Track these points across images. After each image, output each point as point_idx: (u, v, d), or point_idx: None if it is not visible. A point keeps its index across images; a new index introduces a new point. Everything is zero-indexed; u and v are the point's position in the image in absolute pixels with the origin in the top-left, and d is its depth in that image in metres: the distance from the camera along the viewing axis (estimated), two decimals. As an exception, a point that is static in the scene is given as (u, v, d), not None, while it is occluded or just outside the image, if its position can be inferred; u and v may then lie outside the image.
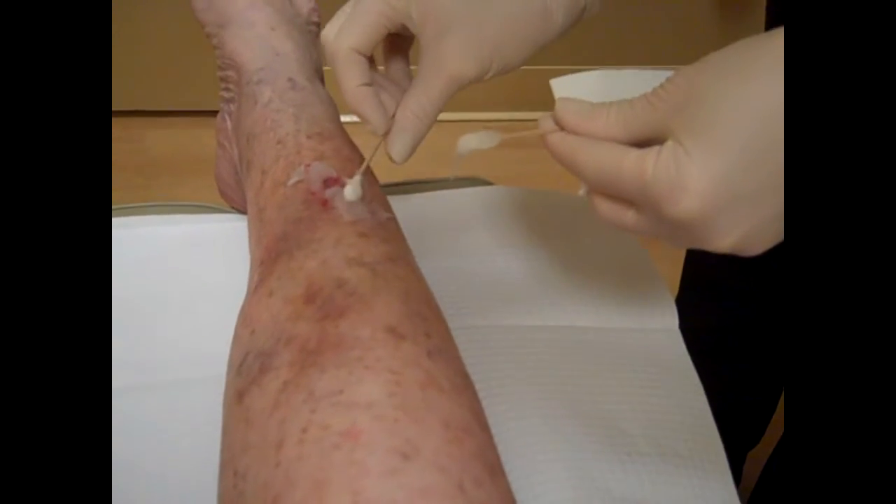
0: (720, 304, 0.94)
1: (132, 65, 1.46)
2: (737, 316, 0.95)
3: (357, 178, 0.47)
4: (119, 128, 1.52)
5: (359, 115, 0.45)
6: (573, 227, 0.63)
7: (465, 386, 0.39)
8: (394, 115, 0.46)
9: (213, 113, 0.62)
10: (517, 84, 1.51)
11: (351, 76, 0.45)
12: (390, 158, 0.46)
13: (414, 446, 0.33)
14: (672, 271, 0.63)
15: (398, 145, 0.46)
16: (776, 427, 0.97)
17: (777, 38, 0.35)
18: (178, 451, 0.47)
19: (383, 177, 0.51)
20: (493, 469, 0.36)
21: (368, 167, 0.52)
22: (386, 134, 0.46)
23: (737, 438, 0.49)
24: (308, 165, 0.49)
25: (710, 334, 0.64)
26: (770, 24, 0.51)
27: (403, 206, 0.50)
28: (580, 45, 1.52)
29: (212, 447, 0.41)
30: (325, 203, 0.46)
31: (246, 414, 0.38)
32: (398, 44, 0.48)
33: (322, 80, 0.60)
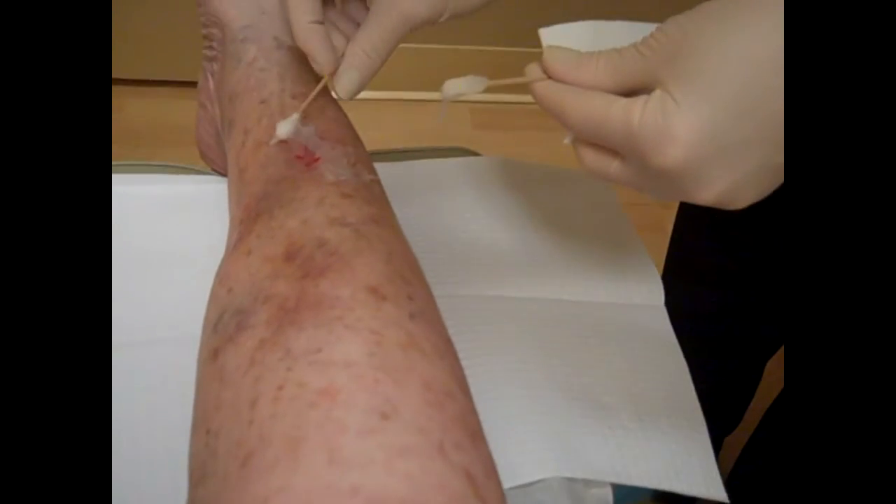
0: (701, 289, 0.94)
1: (113, 33, 1.43)
2: (718, 301, 0.95)
3: (294, 116, 0.46)
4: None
5: (306, 52, 0.45)
6: (561, 200, 0.62)
7: (446, 350, 0.38)
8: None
9: (194, 83, 0.61)
10: (500, 64, 1.50)
11: (301, 11, 0.44)
12: (337, 96, 0.47)
13: (393, 406, 0.32)
14: (655, 257, 0.63)
15: (345, 81, 0.46)
16: (754, 414, 0.97)
17: None
18: (150, 410, 0.46)
19: (368, 143, 0.50)
20: (474, 434, 0.35)
21: (353, 130, 0.51)
22: (333, 73, 0.46)
23: (715, 422, 0.49)
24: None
25: (690, 318, 0.64)
26: None
27: (389, 173, 0.49)
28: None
29: (185, 407, 0.40)
30: (308, 163, 0.45)
31: (220, 372, 0.37)
32: None
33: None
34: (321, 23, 0.45)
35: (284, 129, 0.46)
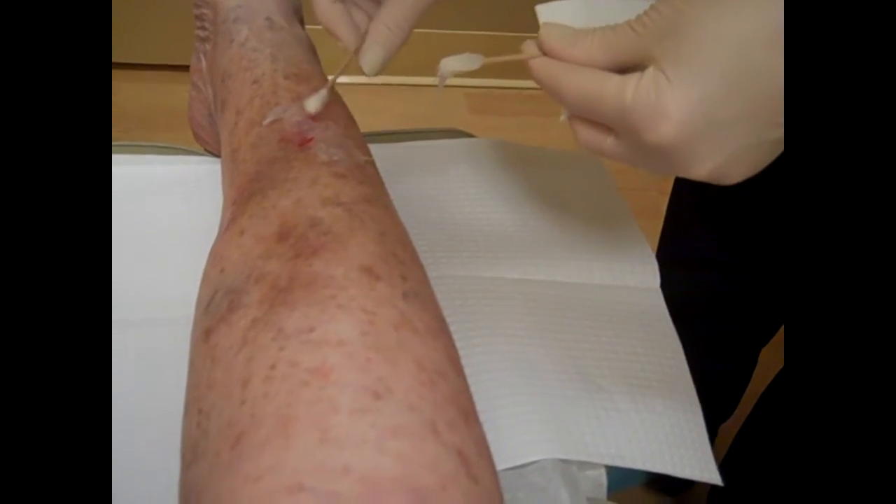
0: (695, 275, 0.94)
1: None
2: (712, 287, 0.95)
3: (322, 91, 0.46)
4: (92, 80, 1.49)
5: (330, 32, 0.46)
6: (557, 182, 0.62)
7: (440, 330, 0.38)
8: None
9: (187, 67, 0.61)
10: (496, 49, 1.49)
11: None
12: (363, 71, 0.47)
13: (386, 385, 0.32)
14: (652, 242, 0.63)
15: (370, 57, 0.46)
16: (749, 403, 0.97)
17: None
18: (145, 390, 0.46)
19: (363, 128, 0.50)
20: (467, 413, 0.34)
21: (346, 110, 0.50)
22: (357, 50, 0.46)
23: (710, 410, 0.49)
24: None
25: (685, 302, 0.64)
26: None
27: (383, 154, 0.48)
28: None
29: (177, 388, 0.40)
30: (301, 143, 0.45)
31: (212, 352, 0.36)
32: None
33: (301, 22, 0.58)
34: (342, 1, 0.45)
35: (313, 104, 0.46)
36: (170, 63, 1.47)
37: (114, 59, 1.48)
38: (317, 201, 0.41)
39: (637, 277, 0.56)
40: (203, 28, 0.58)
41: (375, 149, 0.48)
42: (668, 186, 0.94)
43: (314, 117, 0.46)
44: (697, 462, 0.48)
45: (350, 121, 0.49)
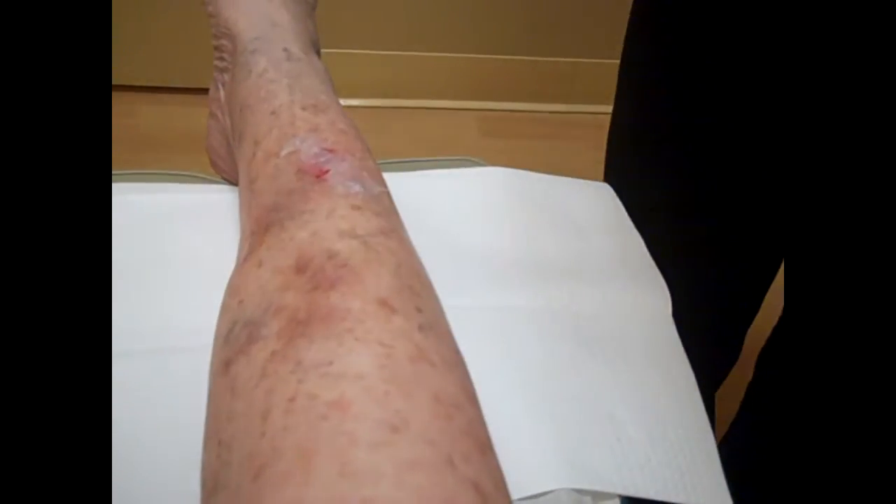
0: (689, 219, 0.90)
1: (127, 39, 1.45)
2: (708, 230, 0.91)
3: None
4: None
5: None
6: (566, 211, 0.63)
7: (455, 362, 0.38)
8: None
9: (206, 90, 0.61)
10: (502, 73, 1.50)
11: None
12: None
13: (403, 419, 0.33)
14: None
15: None
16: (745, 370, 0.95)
17: None
18: (159, 419, 0.47)
19: (376, 150, 0.51)
20: (483, 446, 0.35)
21: (362, 142, 0.51)
22: None
23: (711, 364, 0.48)
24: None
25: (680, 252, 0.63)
26: None
27: (397, 183, 0.49)
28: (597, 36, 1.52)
29: (195, 417, 0.40)
30: (318, 175, 0.46)
31: (232, 383, 0.37)
32: None
33: (318, 53, 0.59)
34: None
35: None
36: (189, 86, 1.49)
37: (134, 82, 1.50)
38: (334, 233, 0.41)
39: (649, 305, 0.56)
40: (222, 59, 0.59)
41: (389, 177, 0.49)
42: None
43: (331, 149, 0.47)
44: (711, 490, 0.48)
45: (366, 152, 0.50)
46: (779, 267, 0.96)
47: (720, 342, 1.03)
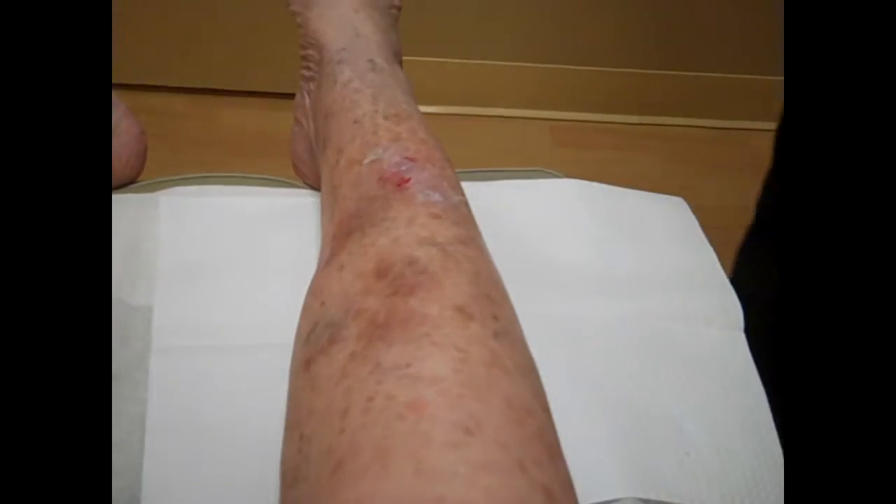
0: None
1: (207, 43, 1.49)
2: None
3: None
4: (191, 105, 1.55)
5: None
6: (642, 224, 0.63)
7: (529, 369, 0.39)
8: None
9: (285, 95, 0.63)
10: (575, 83, 1.50)
11: None
12: None
13: (477, 422, 0.34)
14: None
15: None
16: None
17: None
18: (243, 411, 0.49)
19: (451, 157, 0.52)
20: (553, 451, 0.36)
21: (442, 151, 0.52)
22: None
23: None
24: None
25: None
26: None
27: (475, 192, 0.50)
28: (653, 46, 1.51)
29: (274, 410, 0.42)
30: (399, 183, 0.47)
31: (313, 381, 0.39)
32: None
33: (400, 63, 0.61)
34: None
35: None
36: (269, 90, 1.52)
37: (215, 86, 1.55)
38: (413, 241, 0.43)
39: (720, 320, 0.57)
40: (308, 68, 0.61)
41: (467, 187, 0.50)
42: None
43: (412, 158, 0.49)
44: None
45: (445, 162, 0.51)
46: None
47: None
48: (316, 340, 0.41)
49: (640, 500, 0.45)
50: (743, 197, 0.85)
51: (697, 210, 0.67)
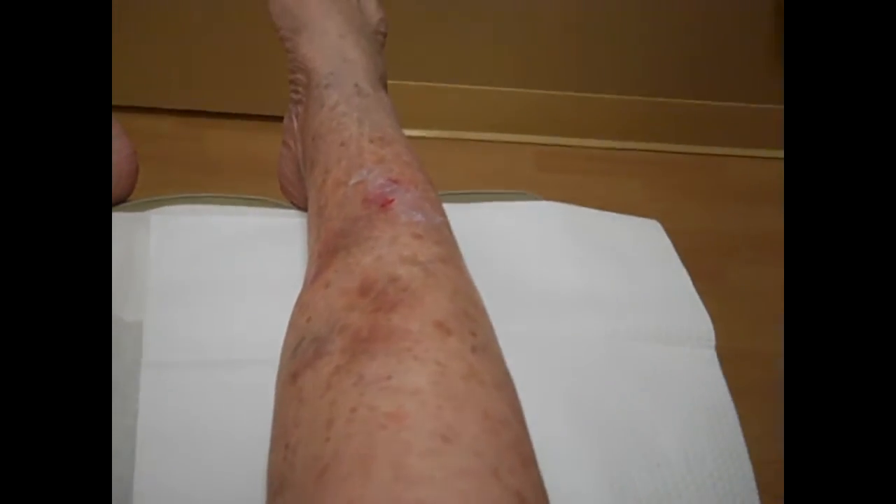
0: None
1: (199, 65, 1.51)
2: None
3: None
4: (180, 126, 1.57)
5: None
6: (619, 245, 0.65)
7: (505, 382, 0.41)
8: None
9: (272, 118, 0.65)
10: (559, 109, 1.53)
11: None
12: None
13: (454, 431, 0.36)
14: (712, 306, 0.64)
15: None
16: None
17: None
18: (230, 423, 0.50)
19: (434, 182, 0.54)
20: (527, 461, 0.38)
21: (425, 174, 0.54)
22: None
23: None
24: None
25: None
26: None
27: (457, 215, 0.52)
28: (651, 75, 1.54)
29: (261, 422, 0.44)
30: (383, 204, 0.49)
31: (299, 393, 0.40)
32: None
33: (385, 87, 0.63)
34: None
35: None
36: (256, 112, 1.54)
37: (203, 108, 1.56)
38: (396, 259, 0.45)
39: (693, 339, 0.58)
40: (296, 92, 0.63)
41: (449, 208, 0.52)
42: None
43: (396, 180, 0.50)
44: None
45: (428, 184, 0.53)
46: None
47: None
48: (302, 354, 0.42)
49: (613, 510, 0.47)
50: (718, 221, 0.88)
51: (674, 233, 0.69)
